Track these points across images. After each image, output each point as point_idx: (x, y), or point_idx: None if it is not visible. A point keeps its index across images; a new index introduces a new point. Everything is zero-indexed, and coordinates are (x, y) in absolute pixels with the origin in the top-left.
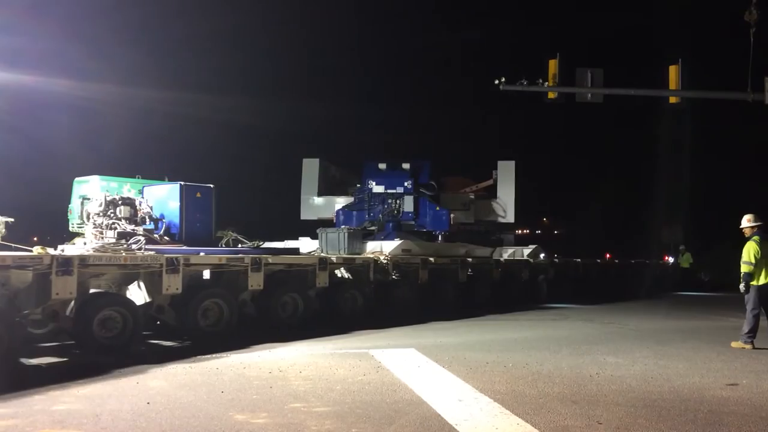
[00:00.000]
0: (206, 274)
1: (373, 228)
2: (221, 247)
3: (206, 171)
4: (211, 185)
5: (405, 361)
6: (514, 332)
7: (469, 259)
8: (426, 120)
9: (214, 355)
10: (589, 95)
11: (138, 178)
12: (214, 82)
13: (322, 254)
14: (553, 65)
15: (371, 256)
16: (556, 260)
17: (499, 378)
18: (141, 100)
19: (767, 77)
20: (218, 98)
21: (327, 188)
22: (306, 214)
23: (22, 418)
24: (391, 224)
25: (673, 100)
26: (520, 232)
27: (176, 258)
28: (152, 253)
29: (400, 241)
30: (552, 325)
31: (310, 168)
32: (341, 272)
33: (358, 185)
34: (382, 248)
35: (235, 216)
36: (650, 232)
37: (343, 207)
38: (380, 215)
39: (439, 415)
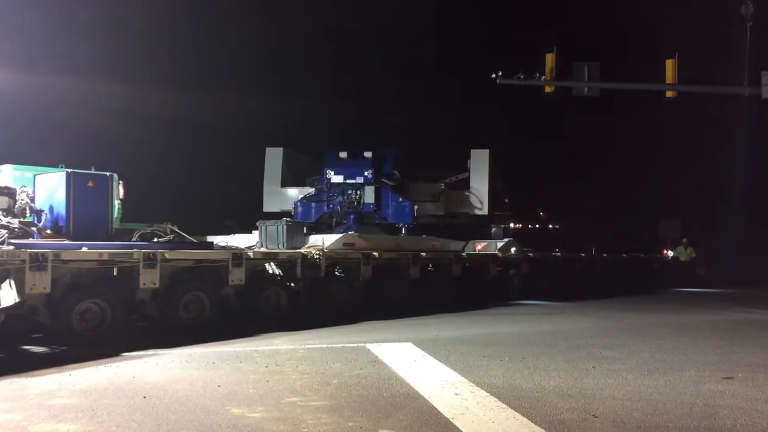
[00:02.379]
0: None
1: (346, 221)
2: (134, 241)
3: (151, 165)
4: (108, 173)
5: (401, 355)
6: (510, 326)
7: (423, 254)
8: (418, 114)
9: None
10: (586, 89)
11: (61, 167)
12: (148, 74)
13: (236, 249)
14: (550, 59)
15: (302, 250)
16: (531, 254)
17: (495, 371)
18: (66, 90)
19: (764, 71)
20: (160, 92)
21: (293, 179)
22: (269, 206)
23: (18, 412)
24: (352, 217)
25: (669, 94)
26: (513, 225)
27: (42, 254)
28: (10, 248)
29: (341, 235)
30: (548, 319)
31: (273, 158)
32: (271, 268)
33: (318, 176)
34: (323, 242)
35: (194, 210)
36: (648, 226)
37: (301, 198)
38: (338, 207)
39: (436, 408)
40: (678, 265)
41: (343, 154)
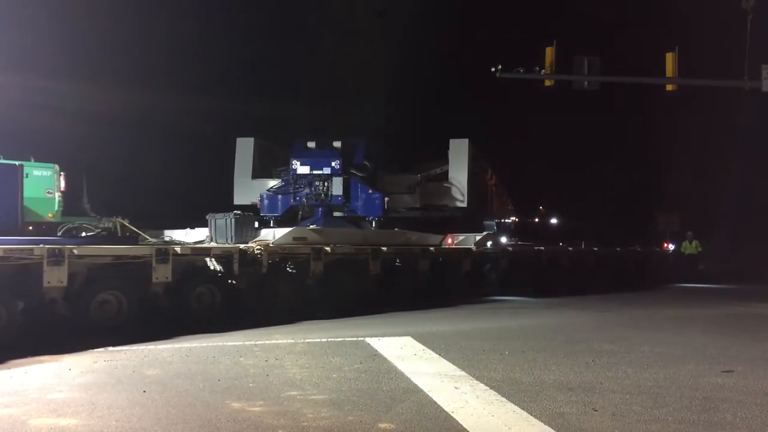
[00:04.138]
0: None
1: (314, 214)
2: (59, 236)
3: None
4: (17, 162)
5: (401, 348)
6: (510, 321)
7: (384, 249)
8: (412, 109)
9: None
10: (586, 83)
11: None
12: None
13: (162, 243)
14: (549, 53)
15: (241, 245)
16: (510, 248)
17: (495, 365)
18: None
19: (764, 65)
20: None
21: (266, 170)
22: (240, 199)
23: (17, 407)
24: (320, 210)
25: (669, 87)
26: (514, 220)
27: None
28: None
29: (291, 229)
30: (547, 313)
31: (244, 148)
32: (213, 264)
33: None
34: (274, 236)
35: (164, 203)
36: (648, 220)
37: (268, 190)
38: (304, 199)
39: (435, 402)
40: (680, 258)
41: (311, 144)
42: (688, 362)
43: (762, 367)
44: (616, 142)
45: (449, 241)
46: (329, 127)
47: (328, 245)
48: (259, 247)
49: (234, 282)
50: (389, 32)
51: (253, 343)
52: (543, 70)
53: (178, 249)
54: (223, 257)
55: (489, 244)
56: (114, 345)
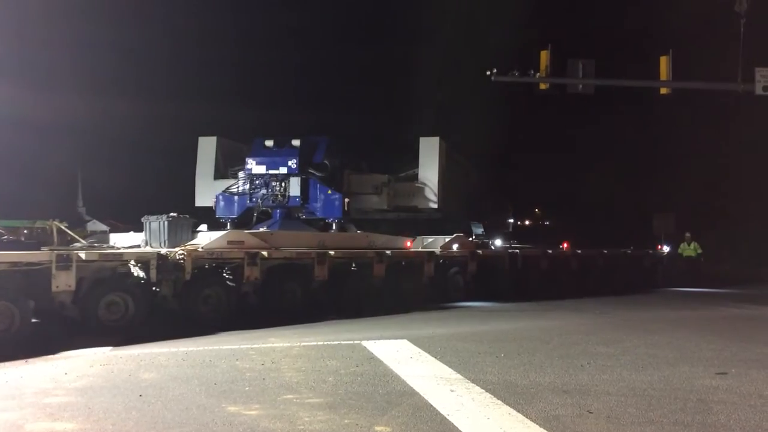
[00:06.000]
0: None
1: (273, 216)
2: None
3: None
4: None
5: (397, 351)
6: (505, 323)
7: (332, 253)
8: (413, 112)
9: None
10: (581, 86)
11: None
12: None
13: (61, 251)
14: (544, 56)
15: (161, 250)
16: (480, 251)
17: (491, 368)
18: None
19: (757, 68)
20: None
21: (231, 171)
22: (201, 200)
23: (14, 411)
24: (278, 212)
25: (663, 90)
26: (509, 221)
27: None
28: None
29: (225, 232)
30: (542, 316)
31: (206, 147)
32: (137, 270)
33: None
34: (210, 240)
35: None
36: (643, 222)
37: (224, 191)
38: (259, 200)
39: (431, 405)
40: (676, 261)
41: (269, 142)
42: (683, 364)
43: (756, 369)
44: (610, 144)
45: (408, 244)
46: (311, 128)
47: (265, 249)
48: (181, 251)
49: (158, 289)
50: (386, 33)
51: (249, 346)
52: (538, 74)
53: (83, 255)
54: (140, 263)
55: (455, 247)
56: (110, 349)
